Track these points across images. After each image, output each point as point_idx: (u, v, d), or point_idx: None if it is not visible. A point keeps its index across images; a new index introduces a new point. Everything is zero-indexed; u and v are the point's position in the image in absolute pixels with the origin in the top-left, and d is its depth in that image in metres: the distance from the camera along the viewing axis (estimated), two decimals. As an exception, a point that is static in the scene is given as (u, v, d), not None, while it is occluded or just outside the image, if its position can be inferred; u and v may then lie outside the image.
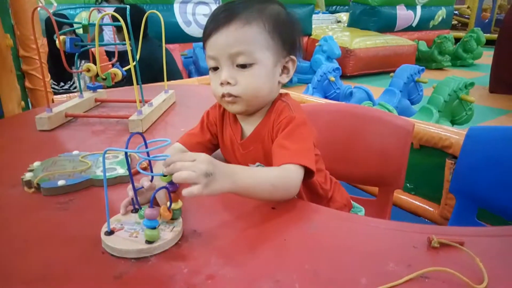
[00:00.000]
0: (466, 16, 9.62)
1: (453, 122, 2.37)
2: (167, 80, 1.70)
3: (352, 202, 0.86)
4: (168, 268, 0.47)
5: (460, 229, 0.59)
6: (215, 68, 0.68)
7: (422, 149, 1.68)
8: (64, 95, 2.21)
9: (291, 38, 0.69)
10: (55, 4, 4.86)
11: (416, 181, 1.76)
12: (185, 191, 0.49)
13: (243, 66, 0.65)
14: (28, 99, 1.97)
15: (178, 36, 4.37)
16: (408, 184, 1.80)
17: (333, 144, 1.04)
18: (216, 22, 0.65)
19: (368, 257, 0.50)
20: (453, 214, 0.95)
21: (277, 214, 0.59)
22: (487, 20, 9.27)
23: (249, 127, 0.73)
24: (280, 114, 0.68)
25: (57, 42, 0.99)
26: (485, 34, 6.30)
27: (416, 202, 1.74)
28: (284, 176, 0.60)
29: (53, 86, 2.66)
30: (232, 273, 0.46)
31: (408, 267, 0.47)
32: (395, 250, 0.51)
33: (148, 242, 0.50)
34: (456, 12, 9.18)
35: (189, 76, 4.06)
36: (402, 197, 1.79)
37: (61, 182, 0.66)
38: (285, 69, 0.70)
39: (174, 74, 2.47)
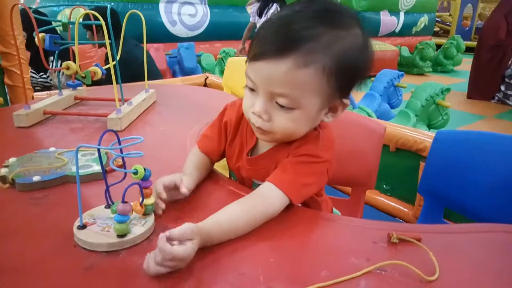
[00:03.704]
0: (448, 24, 9.85)
1: (430, 126, 2.44)
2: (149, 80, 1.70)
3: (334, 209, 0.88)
4: (138, 260, 0.49)
5: (419, 226, 0.63)
6: (252, 89, 0.59)
7: (398, 152, 1.73)
8: (45, 93, 2.19)
9: (351, 80, 0.58)
10: (38, 0, 4.78)
11: (392, 183, 1.82)
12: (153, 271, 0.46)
13: (283, 106, 0.56)
14: (7, 96, 1.95)
15: (163, 35, 4.36)
16: (384, 186, 1.85)
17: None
18: (267, 48, 0.54)
19: (331, 251, 0.53)
20: (421, 213, 1.00)
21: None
22: (467, 28, 9.52)
23: (266, 144, 0.66)
24: (304, 144, 0.62)
25: (36, 39, 1.00)
26: (465, 42, 6.48)
27: (392, 203, 1.80)
28: (265, 214, 0.56)
29: (32, 75, 2.63)
30: (199, 265, 0.48)
31: (367, 261, 0.50)
32: (356, 246, 0.54)
33: (119, 236, 0.51)
34: (438, 19, 9.39)
35: (174, 75, 4.05)
36: (378, 198, 1.84)
37: (36, 178, 0.67)
38: (333, 109, 0.61)
39: (153, 74, 2.48)
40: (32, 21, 0.94)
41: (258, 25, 3.27)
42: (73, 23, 1.01)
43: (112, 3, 4.29)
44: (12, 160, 0.74)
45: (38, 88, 2.68)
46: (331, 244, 0.55)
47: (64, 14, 4.19)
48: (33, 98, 1.96)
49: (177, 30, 4.57)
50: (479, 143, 0.96)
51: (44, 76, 2.70)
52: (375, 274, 0.48)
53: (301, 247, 0.54)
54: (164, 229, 0.55)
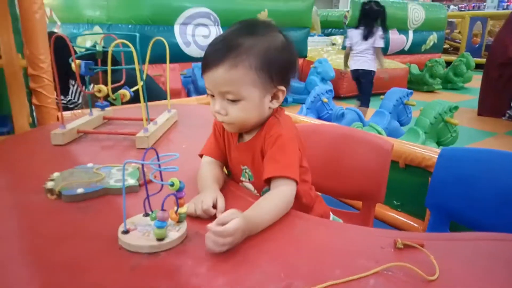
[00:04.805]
0: (458, 41, 9.92)
1: (439, 144, 2.49)
2: (152, 100, 1.80)
3: (331, 214, 0.96)
4: (175, 260, 0.57)
5: (422, 234, 0.69)
6: (212, 95, 0.78)
7: (408, 168, 1.79)
8: (69, 112, 2.31)
9: (280, 70, 0.76)
10: (59, 23, 5.01)
11: (402, 198, 1.87)
12: (211, 249, 0.58)
13: (233, 101, 0.74)
14: (34, 116, 2.06)
15: (178, 56, 4.52)
16: (395, 202, 1.89)
17: (321, 161, 1.14)
18: (209, 60, 0.74)
19: (342, 255, 0.60)
20: (428, 226, 1.05)
21: (268, 219, 0.69)
22: (477, 45, 9.57)
23: (246, 135, 0.83)
24: (271, 129, 0.78)
25: (72, 65, 1.10)
26: (475, 59, 6.53)
27: (402, 219, 1.84)
28: (284, 200, 0.71)
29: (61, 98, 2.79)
30: (228, 265, 0.56)
31: (375, 263, 0.57)
32: (366, 250, 0.61)
33: (159, 239, 0.59)
34: (448, 36, 9.47)
35: (188, 95, 4.18)
36: (389, 213, 1.89)
37: (80, 190, 0.75)
38: (275, 96, 0.78)
39: (157, 95, 2.51)
40: (58, 47, 1.05)
41: (360, 47, 3.70)
42: (106, 51, 1.11)
43: (130, 26, 4.48)
44: (56, 174, 0.83)
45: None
46: (344, 248, 0.62)
47: (84, 37, 4.38)
48: (58, 118, 2.06)
49: (191, 50, 4.72)
50: (483, 160, 1.03)
51: (64, 101, 2.84)
52: (382, 274, 0.55)
53: (316, 250, 0.61)
54: (195, 235, 0.64)
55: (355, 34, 3.74)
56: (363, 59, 3.71)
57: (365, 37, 3.65)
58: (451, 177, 1.01)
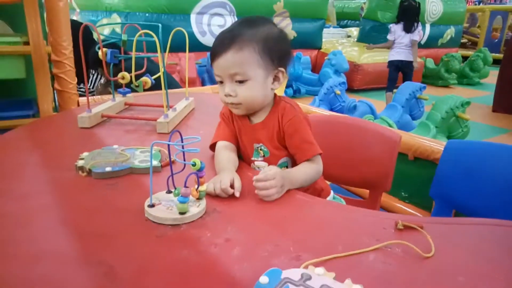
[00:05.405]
0: (477, 35, 9.74)
1: (450, 138, 2.51)
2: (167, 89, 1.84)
3: (332, 193, 1.03)
4: (195, 232, 0.63)
5: (422, 218, 0.74)
6: (221, 82, 0.87)
7: (416, 160, 1.83)
8: (91, 98, 2.38)
9: (278, 54, 0.86)
10: (78, 10, 5.09)
11: (410, 190, 1.91)
12: (264, 195, 0.74)
13: (241, 82, 0.84)
14: (56, 100, 2.14)
15: (193, 45, 4.57)
16: (403, 193, 1.94)
17: (331, 151, 1.18)
18: (217, 48, 0.84)
19: (346, 233, 0.66)
20: (432, 215, 1.10)
21: (280, 200, 0.75)
22: (497, 40, 9.38)
23: (255, 118, 0.93)
24: (286, 111, 0.89)
25: (99, 53, 1.17)
26: (494, 54, 6.42)
27: (410, 210, 1.88)
28: (316, 168, 0.88)
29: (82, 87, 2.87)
30: (243, 238, 0.62)
31: (376, 241, 0.63)
32: (368, 229, 0.67)
33: (181, 213, 0.66)
34: (466, 30, 9.29)
35: (203, 83, 4.24)
36: (397, 204, 1.93)
37: (108, 169, 0.83)
38: (276, 78, 0.88)
39: (170, 85, 2.56)
40: (78, 35, 1.11)
41: (403, 41, 4.10)
42: (131, 40, 1.18)
43: (147, 14, 4.55)
44: (85, 154, 0.91)
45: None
46: (348, 227, 0.68)
47: (101, 24, 4.46)
48: (78, 103, 2.14)
49: (207, 40, 4.78)
50: (488, 153, 1.07)
51: (83, 89, 2.92)
52: (382, 250, 0.61)
53: (323, 228, 0.67)
54: (213, 211, 0.70)
55: (397, 29, 4.13)
56: (407, 51, 4.09)
57: (408, 31, 4.04)
58: (456, 168, 1.06)
